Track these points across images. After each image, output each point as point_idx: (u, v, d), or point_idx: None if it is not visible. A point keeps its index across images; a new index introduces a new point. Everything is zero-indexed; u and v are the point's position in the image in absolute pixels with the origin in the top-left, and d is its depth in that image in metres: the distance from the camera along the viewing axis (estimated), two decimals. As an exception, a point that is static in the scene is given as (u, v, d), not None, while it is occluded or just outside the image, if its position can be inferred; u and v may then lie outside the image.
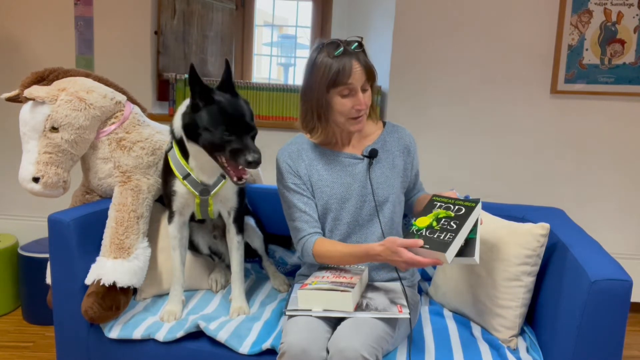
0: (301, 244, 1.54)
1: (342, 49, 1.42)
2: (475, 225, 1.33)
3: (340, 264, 1.50)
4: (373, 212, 1.54)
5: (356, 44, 1.45)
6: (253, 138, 1.51)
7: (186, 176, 1.61)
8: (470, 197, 1.40)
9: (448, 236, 1.27)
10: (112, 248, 1.61)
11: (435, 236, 1.29)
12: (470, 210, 1.34)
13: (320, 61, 1.44)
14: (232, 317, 1.62)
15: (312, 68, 1.45)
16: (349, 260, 1.45)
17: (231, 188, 1.68)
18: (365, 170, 1.56)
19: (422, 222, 1.34)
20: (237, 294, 1.69)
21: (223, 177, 1.65)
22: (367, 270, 1.55)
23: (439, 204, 1.40)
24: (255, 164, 1.44)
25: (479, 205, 1.36)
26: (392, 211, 1.56)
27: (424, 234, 1.31)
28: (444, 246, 1.25)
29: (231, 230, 1.72)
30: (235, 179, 1.50)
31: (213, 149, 1.49)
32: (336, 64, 1.41)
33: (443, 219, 1.33)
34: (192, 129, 1.51)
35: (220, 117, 1.46)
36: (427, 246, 1.26)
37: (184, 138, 1.56)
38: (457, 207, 1.37)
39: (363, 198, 1.54)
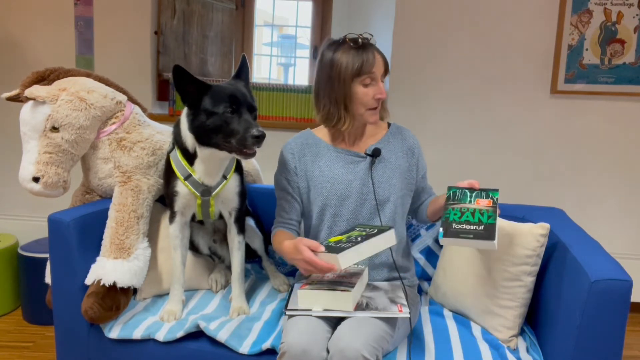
0: (272, 233, 1.66)
1: (361, 42, 1.49)
2: (494, 212, 1.36)
3: (279, 251, 1.57)
4: (374, 211, 1.55)
5: (368, 38, 1.53)
6: (255, 118, 1.53)
7: (187, 177, 1.61)
8: (490, 188, 1.44)
9: (347, 245, 1.32)
10: (112, 248, 1.61)
11: (336, 245, 1.35)
12: (381, 231, 1.38)
13: (340, 55, 1.49)
14: (232, 317, 1.62)
15: (332, 62, 1.50)
16: (279, 249, 1.53)
17: (232, 189, 1.68)
18: (367, 168, 1.57)
19: (334, 239, 1.43)
20: (238, 293, 1.69)
21: (224, 177, 1.65)
22: (367, 269, 1.55)
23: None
24: (262, 137, 1.44)
25: (392, 231, 1.39)
26: (394, 211, 1.56)
27: (329, 244, 1.37)
28: (338, 250, 1.30)
29: (232, 230, 1.72)
30: (246, 153, 1.49)
31: (219, 133, 1.48)
32: (360, 54, 1.47)
33: (354, 237, 1.39)
34: (197, 126, 1.51)
35: (222, 95, 1.48)
36: (325, 250, 1.32)
37: (196, 144, 1.56)
38: (375, 230, 1.41)
39: (364, 196, 1.55)
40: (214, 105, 1.48)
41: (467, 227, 1.33)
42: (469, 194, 1.43)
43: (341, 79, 1.48)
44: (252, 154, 1.49)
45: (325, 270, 1.30)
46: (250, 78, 3.18)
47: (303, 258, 1.31)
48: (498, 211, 1.38)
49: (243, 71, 1.63)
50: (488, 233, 1.31)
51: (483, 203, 1.39)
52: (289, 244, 1.42)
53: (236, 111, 1.48)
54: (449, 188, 1.47)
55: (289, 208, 1.63)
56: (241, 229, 1.73)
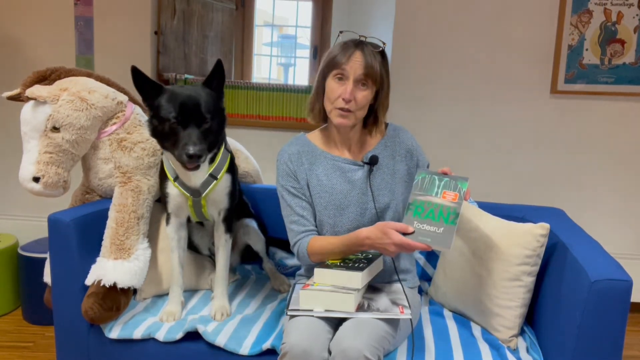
0: (297, 246, 1.55)
1: (355, 39, 1.48)
2: (457, 211, 1.35)
3: (334, 258, 1.50)
4: (374, 219, 1.53)
5: (363, 42, 1.48)
6: (205, 131, 1.47)
7: (177, 178, 1.61)
8: (460, 176, 1.41)
9: (362, 265, 1.41)
10: (112, 249, 1.61)
11: (347, 264, 1.43)
12: (374, 258, 1.48)
13: (332, 48, 1.50)
14: (216, 318, 1.59)
15: (324, 56, 1.53)
16: (341, 250, 1.46)
17: (223, 189, 1.66)
18: (365, 177, 1.55)
19: (332, 261, 1.48)
20: (220, 292, 1.66)
21: (214, 177, 1.63)
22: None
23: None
24: (195, 157, 1.40)
25: (381, 258, 1.51)
26: (395, 218, 1.54)
27: (341, 264, 1.43)
28: (360, 269, 1.37)
29: (219, 228, 1.70)
30: (186, 167, 1.47)
31: (166, 140, 1.47)
32: (343, 50, 1.46)
33: (352, 260, 1.46)
34: (152, 129, 1.52)
35: (172, 102, 1.45)
36: (412, 232, 1.33)
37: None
38: (364, 255, 1.51)
39: (363, 205, 1.53)
40: (163, 110, 1.46)
41: (428, 228, 1.33)
42: (437, 181, 1.41)
43: (320, 71, 1.51)
44: (192, 169, 1.46)
45: (420, 248, 1.30)
46: (250, 78, 3.19)
47: (393, 242, 1.31)
48: (463, 206, 1.37)
49: (214, 79, 1.53)
50: (445, 238, 1.31)
51: (449, 197, 1.38)
52: (354, 233, 1.41)
53: (181, 122, 1.44)
54: (419, 172, 1.45)
55: (308, 214, 1.56)
56: (229, 228, 1.70)
